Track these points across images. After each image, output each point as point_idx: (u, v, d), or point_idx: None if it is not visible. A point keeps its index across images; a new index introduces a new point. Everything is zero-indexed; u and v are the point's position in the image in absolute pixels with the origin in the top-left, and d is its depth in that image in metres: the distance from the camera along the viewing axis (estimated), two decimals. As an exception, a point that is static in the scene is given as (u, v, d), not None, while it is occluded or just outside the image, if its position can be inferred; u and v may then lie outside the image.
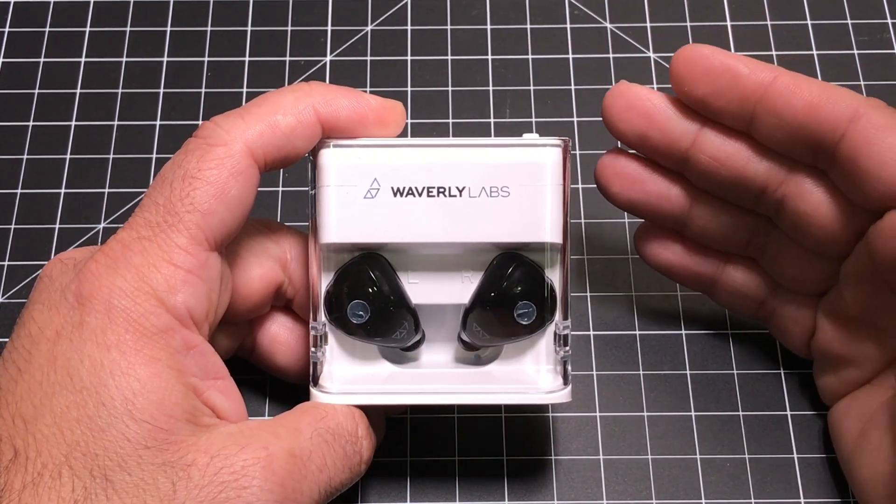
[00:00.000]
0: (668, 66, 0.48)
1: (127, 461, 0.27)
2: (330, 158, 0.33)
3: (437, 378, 0.35)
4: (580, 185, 0.45)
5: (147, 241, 0.29)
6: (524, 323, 0.34)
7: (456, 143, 0.33)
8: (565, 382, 0.34)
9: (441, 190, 0.33)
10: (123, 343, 0.28)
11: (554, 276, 0.34)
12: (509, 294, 0.34)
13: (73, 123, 0.47)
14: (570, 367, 0.35)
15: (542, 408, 0.40)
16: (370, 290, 0.33)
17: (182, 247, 0.29)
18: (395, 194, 0.33)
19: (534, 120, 0.47)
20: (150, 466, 0.27)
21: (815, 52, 0.49)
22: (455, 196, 0.33)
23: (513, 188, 0.33)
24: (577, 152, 0.46)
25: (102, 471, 0.27)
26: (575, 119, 0.47)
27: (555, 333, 0.35)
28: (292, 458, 0.29)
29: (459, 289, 0.35)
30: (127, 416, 0.27)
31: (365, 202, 0.33)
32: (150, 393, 0.28)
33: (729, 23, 0.49)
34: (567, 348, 0.34)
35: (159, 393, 0.28)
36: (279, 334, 0.36)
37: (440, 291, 0.35)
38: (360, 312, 0.33)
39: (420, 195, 0.33)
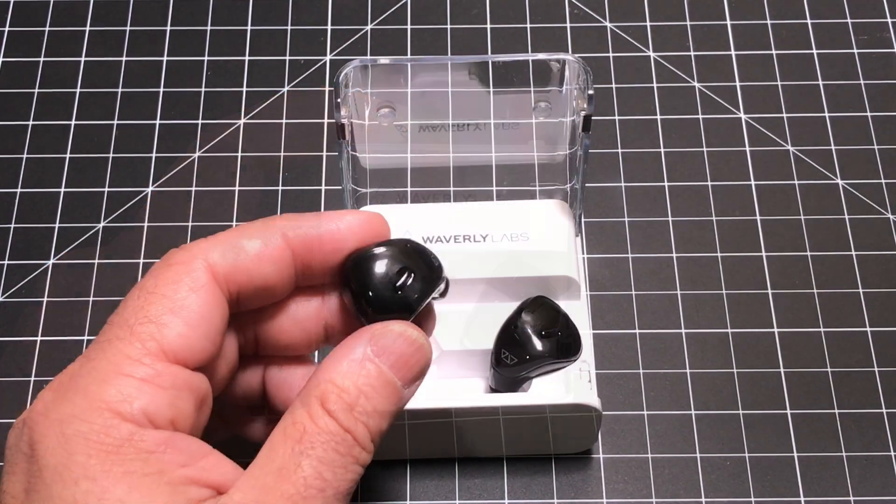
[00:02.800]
0: (668, 65, 0.48)
1: None
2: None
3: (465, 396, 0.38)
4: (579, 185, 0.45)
5: (95, 360, 0.27)
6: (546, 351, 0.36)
7: (478, 204, 0.40)
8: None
9: (466, 237, 0.38)
10: (89, 469, 0.26)
11: (579, 313, 0.38)
12: (537, 326, 0.36)
13: (73, 123, 0.47)
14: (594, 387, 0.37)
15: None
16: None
17: (133, 357, 0.27)
18: (424, 242, 0.34)
19: (533, 120, 0.47)
20: None
21: (814, 52, 0.49)
22: (479, 242, 0.38)
23: (531, 234, 0.38)
24: (577, 152, 0.46)
25: None
26: (575, 118, 0.47)
27: (579, 370, 0.37)
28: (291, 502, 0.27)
29: (488, 333, 0.37)
30: None
31: None
32: None
33: (729, 22, 0.49)
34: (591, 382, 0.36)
35: (143, 502, 0.26)
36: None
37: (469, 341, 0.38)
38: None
39: (448, 242, 0.38)
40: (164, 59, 0.49)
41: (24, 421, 0.28)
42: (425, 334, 0.30)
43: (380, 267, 0.30)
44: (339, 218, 0.30)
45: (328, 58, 0.49)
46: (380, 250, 0.30)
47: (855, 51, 0.49)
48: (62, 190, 0.45)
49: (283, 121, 0.47)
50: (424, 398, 0.33)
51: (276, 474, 0.27)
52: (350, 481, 0.28)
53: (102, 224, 0.45)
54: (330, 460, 0.27)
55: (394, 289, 0.29)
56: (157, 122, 0.47)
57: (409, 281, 0.30)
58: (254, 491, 0.27)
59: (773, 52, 0.49)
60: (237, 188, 0.45)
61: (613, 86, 0.48)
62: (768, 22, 0.49)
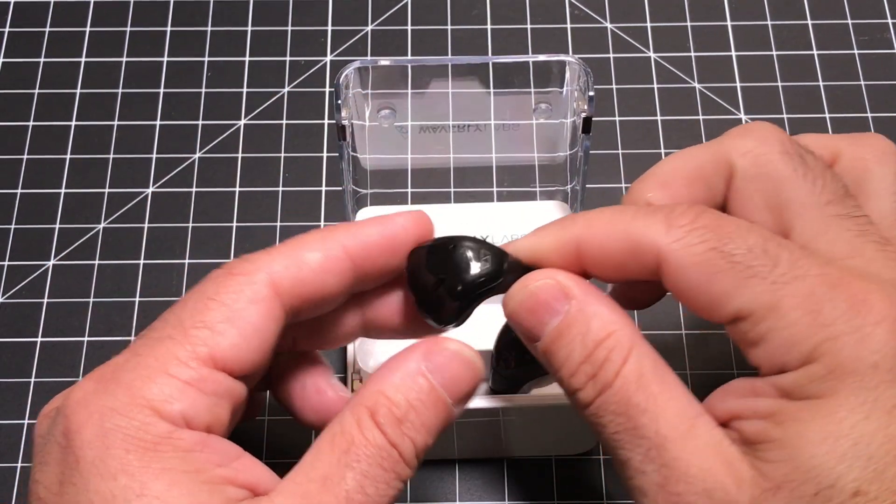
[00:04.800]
0: (668, 66, 0.48)
1: None
2: (366, 217, 0.36)
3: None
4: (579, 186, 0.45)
5: (142, 356, 0.28)
6: None
7: (478, 205, 0.39)
8: None
9: None
10: (128, 465, 0.26)
11: None
12: None
13: (73, 123, 0.47)
14: None
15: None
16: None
17: (181, 359, 0.27)
18: None
19: (534, 121, 0.47)
20: None
21: (815, 52, 0.49)
22: None
23: None
24: (578, 152, 0.46)
25: None
26: (575, 119, 0.47)
27: None
28: None
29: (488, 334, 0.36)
30: None
31: None
32: None
33: (729, 23, 0.49)
34: None
35: (183, 499, 0.26)
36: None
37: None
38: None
39: None
40: (165, 59, 0.49)
41: (60, 409, 0.28)
42: (478, 354, 0.29)
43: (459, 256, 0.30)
44: (393, 222, 0.30)
45: (328, 58, 0.49)
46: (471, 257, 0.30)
47: (855, 51, 0.49)
48: (62, 191, 0.45)
49: (284, 122, 0.47)
50: None
51: (320, 483, 0.27)
52: (390, 497, 0.28)
53: (103, 225, 0.45)
54: (374, 475, 0.27)
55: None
56: (158, 122, 0.47)
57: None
58: (295, 497, 0.27)
59: (774, 52, 0.49)
60: (237, 189, 0.45)
61: (614, 86, 0.48)
62: (768, 22, 0.49)
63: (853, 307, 0.25)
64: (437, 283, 0.30)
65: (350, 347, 0.37)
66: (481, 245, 0.30)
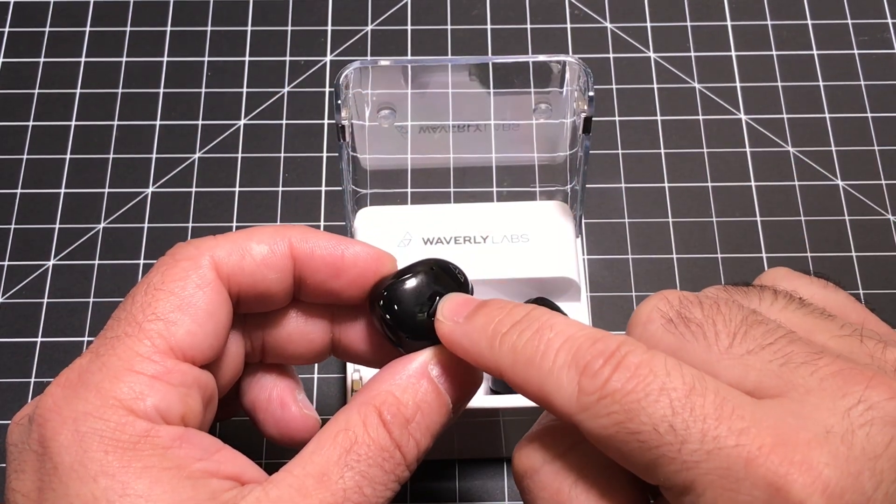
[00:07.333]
0: (668, 66, 0.48)
1: None
2: (366, 217, 0.38)
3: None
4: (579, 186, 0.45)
5: (105, 357, 0.27)
6: None
7: (478, 205, 0.39)
8: None
9: (467, 238, 0.37)
10: (108, 466, 0.26)
11: (580, 314, 0.37)
12: None
13: (73, 123, 0.47)
14: None
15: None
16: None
17: (144, 355, 0.27)
18: (425, 244, 0.37)
19: (534, 122, 0.47)
20: None
21: (815, 52, 0.49)
22: (480, 243, 0.37)
23: (531, 235, 0.38)
24: (578, 152, 0.46)
25: None
26: (575, 119, 0.47)
27: None
28: None
29: None
30: None
31: (398, 250, 0.36)
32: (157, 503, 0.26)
33: (729, 23, 0.49)
34: None
35: (166, 497, 0.26)
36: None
37: None
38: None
39: (448, 243, 0.37)
40: (165, 59, 0.49)
41: (32, 418, 0.27)
42: None
43: (412, 295, 0.30)
44: (350, 245, 0.30)
45: (328, 58, 0.49)
46: (410, 278, 0.30)
47: (855, 51, 0.49)
48: (62, 191, 0.45)
49: (284, 122, 0.47)
50: None
51: (317, 478, 0.27)
52: (386, 499, 0.28)
53: (103, 225, 0.45)
54: (372, 476, 0.27)
55: (426, 315, 0.29)
56: (158, 122, 0.47)
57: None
58: (290, 490, 0.27)
59: (774, 52, 0.49)
60: (237, 189, 0.45)
61: (614, 87, 0.48)
62: (768, 22, 0.49)
63: (770, 495, 0.23)
64: (392, 315, 0.30)
65: None
66: (433, 280, 0.30)
